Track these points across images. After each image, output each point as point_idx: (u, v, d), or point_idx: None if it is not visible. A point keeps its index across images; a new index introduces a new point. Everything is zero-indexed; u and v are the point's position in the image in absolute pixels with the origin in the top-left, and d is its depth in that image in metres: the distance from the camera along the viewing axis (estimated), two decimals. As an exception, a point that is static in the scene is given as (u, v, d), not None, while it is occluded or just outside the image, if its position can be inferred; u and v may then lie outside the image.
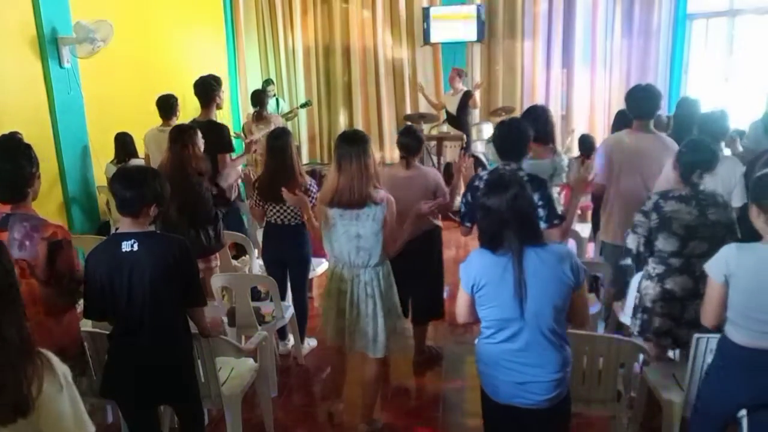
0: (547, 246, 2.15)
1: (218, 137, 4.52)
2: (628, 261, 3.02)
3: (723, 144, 3.51)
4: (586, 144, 5.41)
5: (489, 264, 2.14)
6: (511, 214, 2.09)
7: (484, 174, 3.06)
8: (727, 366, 2.29)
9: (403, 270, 3.68)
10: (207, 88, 4.60)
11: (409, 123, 7.60)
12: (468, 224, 3.15)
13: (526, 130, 3.04)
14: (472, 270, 2.18)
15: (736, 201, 3.21)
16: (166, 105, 4.92)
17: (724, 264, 2.21)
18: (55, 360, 1.46)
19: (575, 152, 6.34)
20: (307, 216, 3.09)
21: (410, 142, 3.55)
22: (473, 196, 3.03)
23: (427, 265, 3.74)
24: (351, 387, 3.44)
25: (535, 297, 2.08)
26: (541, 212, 2.91)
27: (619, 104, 7.66)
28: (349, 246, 2.89)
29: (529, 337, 2.12)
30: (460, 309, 2.27)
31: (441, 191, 3.58)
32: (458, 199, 7.17)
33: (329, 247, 2.98)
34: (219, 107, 4.75)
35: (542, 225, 2.91)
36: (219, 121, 4.78)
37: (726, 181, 3.26)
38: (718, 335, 2.53)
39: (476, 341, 2.30)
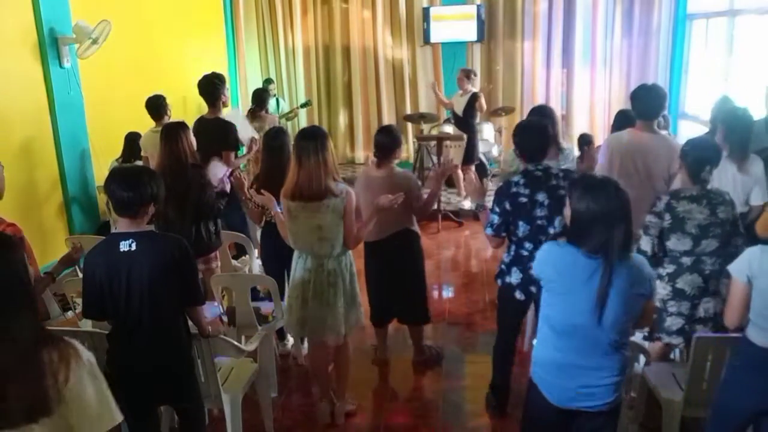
0: (630, 257, 2.10)
1: (224, 135, 4.52)
2: None
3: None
4: (585, 142, 5.39)
5: (571, 262, 2.08)
6: (620, 219, 2.04)
7: (518, 179, 3.01)
8: (745, 367, 2.28)
9: (381, 275, 3.70)
10: (211, 87, 4.61)
11: (422, 123, 7.62)
12: (503, 234, 3.04)
13: (549, 130, 3.06)
14: (548, 260, 2.15)
15: (757, 199, 3.19)
16: (155, 105, 4.92)
17: (747, 265, 2.21)
18: (80, 346, 1.45)
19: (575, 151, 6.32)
20: (274, 212, 3.14)
21: (384, 140, 3.51)
22: (513, 203, 2.95)
23: (405, 270, 3.71)
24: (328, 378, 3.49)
25: (613, 306, 2.04)
26: None
27: (619, 104, 7.67)
28: (311, 237, 2.98)
29: (593, 344, 2.09)
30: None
31: (414, 193, 3.53)
32: (464, 202, 7.19)
33: (292, 239, 3.06)
34: (225, 105, 4.76)
35: None
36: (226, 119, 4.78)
37: (757, 178, 3.25)
38: (718, 335, 2.54)
39: (534, 343, 2.27)
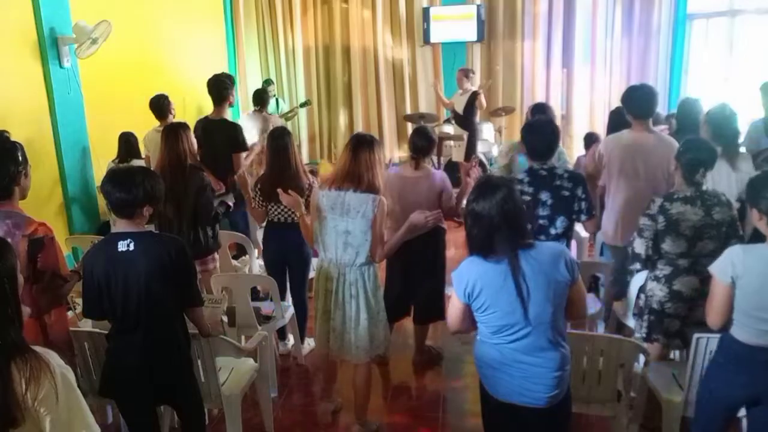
0: (538, 247, 2.12)
1: (233, 136, 4.53)
2: (638, 266, 3.00)
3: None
4: (591, 141, 5.38)
5: (485, 272, 2.10)
6: (501, 219, 2.05)
7: (522, 176, 3.03)
8: (727, 363, 2.30)
9: (404, 269, 3.69)
10: (220, 87, 4.63)
11: (422, 123, 7.61)
12: None
13: (557, 128, 3.09)
14: (464, 278, 2.14)
15: None
16: (158, 105, 4.95)
17: (731, 265, 2.20)
18: (54, 362, 1.43)
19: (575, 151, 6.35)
20: (299, 214, 3.11)
21: (420, 142, 3.55)
22: None
23: (428, 266, 3.74)
24: (345, 387, 3.45)
25: (536, 299, 2.07)
26: (583, 205, 2.98)
27: (619, 104, 7.66)
28: (337, 241, 2.93)
29: (530, 337, 2.11)
30: (452, 318, 2.24)
31: (447, 194, 3.57)
32: (463, 201, 7.20)
33: (319, 241, 3.01)
34: (231, 105, 4.77)
35: (583, 217, 3.02)
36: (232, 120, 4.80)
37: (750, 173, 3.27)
38: (718, 335, 2.53)
39: (476, 339, 2.28)
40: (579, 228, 4.66)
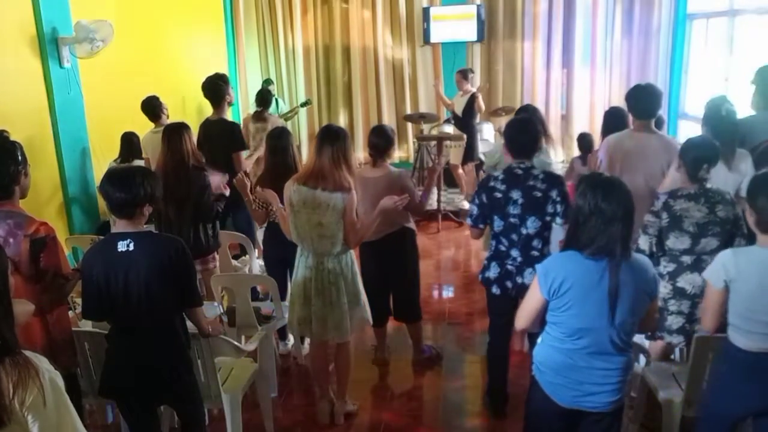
0: (633, 256, 2.10)
1: (231, 136, 4.55)
2: None
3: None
4: (585, 142, 5.40)
5: (579, 267, 2.06)
6: (624, 217, 2.02)
7: (498, 174, 3.05)
8: (732, 371, 2.27)
9: (376, 272, 3.71)
10: (215, 87, 4.65)
11: (422, 123, 7.62)
12: (481, 226, 3.12)
13: (539, 129, 3.08)
14: (553, 272, 2.09)
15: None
16: (151, 107, 4.97)
17: (723, 270, 2.21)
18: (43, 366, 1.42)
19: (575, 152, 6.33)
20: (276, 208, 3.20)
21: (378, 141, 3.55)
22: (489, 197, 3.02)
23: (398, 267, 3.73)
24: (352, 387, 3.45)
25: (622, 308, 2.05)
26: (559, 208, 2.96)
27: (619, 104, 7.65)
28: (312, 233, 3.02)
29: (603, 344, 2.09)
30: (525, 311, 2.21)
31: (410, 191, 3.57)
32: (464, 202, 7.17)
33: (294, 234, 3.10)
34: (230, 104, 4.79)
35: (559, 221, 2.97)
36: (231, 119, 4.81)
37: (744, 175, 3.27)
38: (718, 335, 2.53)
39: (540, 341, 2.25)
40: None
